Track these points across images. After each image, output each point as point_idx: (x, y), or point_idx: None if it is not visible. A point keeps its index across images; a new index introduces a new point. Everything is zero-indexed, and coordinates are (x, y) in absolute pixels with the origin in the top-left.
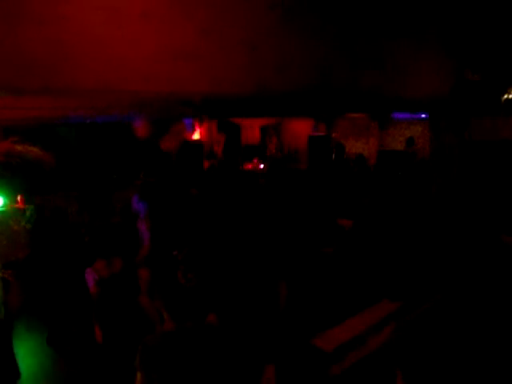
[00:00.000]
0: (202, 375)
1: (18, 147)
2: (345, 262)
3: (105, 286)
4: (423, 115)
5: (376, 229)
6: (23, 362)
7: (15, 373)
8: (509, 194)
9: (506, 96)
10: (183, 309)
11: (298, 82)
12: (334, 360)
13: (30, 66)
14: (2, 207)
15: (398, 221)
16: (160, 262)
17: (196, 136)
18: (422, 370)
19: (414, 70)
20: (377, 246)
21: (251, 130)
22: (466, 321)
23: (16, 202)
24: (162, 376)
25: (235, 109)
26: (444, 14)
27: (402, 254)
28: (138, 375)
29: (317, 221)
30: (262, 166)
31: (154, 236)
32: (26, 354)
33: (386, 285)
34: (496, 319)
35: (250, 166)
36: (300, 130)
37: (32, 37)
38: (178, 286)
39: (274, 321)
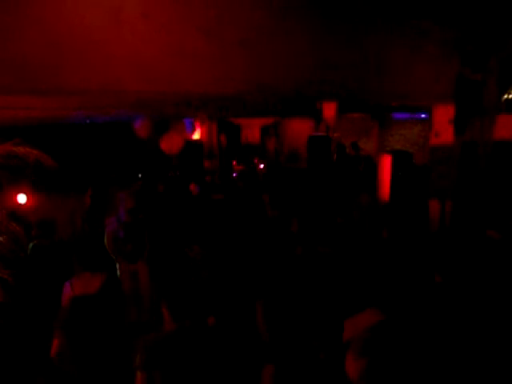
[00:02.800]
0: (202, 374)
1: (19, 149)
2: (343, 260)
3: (79, 305)
4: (423, 115)
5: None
6: None
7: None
8: (498, 191)
9: (506, 96)
10: (185, 308)
11: (296, 82)
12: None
13: (31, 66)
14: None
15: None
16: (167, 261)
17: (196, 136)
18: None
19: (414, 69)
20: (365, 245)
21: (251, 130)
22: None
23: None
24: (163, 375)
25: (235, 109)
26: (445, 13)
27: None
28: (139, 374)
29: (316, 219)
30: (262, 165)
31: (160, 234)
32: None
33: (378, 286)
34: (485, 313)
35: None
36: (300, 130)
37: (31, 37)
38: (182, 284)
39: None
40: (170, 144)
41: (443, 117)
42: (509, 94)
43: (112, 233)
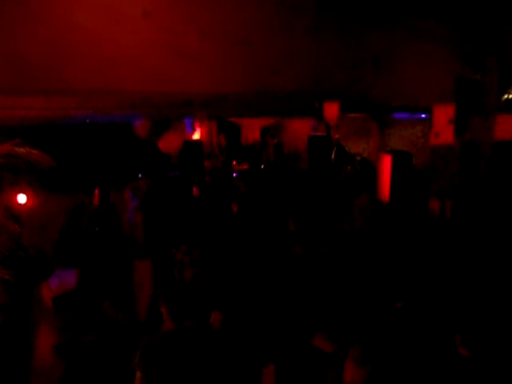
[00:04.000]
0: (201, 375)
1: (19, 149)
2: (342, 261)
3: (60, 302)
4: (423, 115)
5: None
6: None
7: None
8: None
9: (506, 96)
10: (184, 307)
11: (296, 82)
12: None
13: (30, 66)
14: None
15: (394, 222)
16: (162, 260)
17: (196, 136)
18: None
19: (415, 69)
20: (375, 246)
21: (251, 129)
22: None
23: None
24: (162, 375)
25: (235, 109)
26: (445, 13)
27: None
28: (138, 374)
29: (315, 220)
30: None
31: (155, 233)
32: None
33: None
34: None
35: (248, 166)
36: (300, 130)
37: (31, 37)
38: (179, 284)
39: (274, 319)
40: (167, 144)
41: (443, 117)
42: (509, 93)
43: (136, 227)
